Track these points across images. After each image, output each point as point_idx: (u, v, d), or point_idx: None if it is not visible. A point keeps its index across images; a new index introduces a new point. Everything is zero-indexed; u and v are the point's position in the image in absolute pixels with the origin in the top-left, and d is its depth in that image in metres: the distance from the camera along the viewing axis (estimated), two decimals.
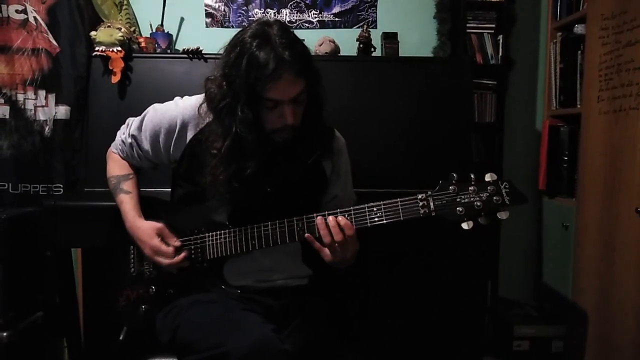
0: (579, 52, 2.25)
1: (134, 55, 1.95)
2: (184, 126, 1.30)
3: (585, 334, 2.05)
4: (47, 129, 2.15)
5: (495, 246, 2.39)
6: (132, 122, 1.39)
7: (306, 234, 1.20)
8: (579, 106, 2.24)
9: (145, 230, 1.28)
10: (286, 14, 2.45)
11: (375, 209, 1.17)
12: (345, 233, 1.16)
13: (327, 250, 1.19)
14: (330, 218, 1.18)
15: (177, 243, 1.28)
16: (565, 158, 2.32)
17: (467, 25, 2.37)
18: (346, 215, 1.18)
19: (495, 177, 1.12)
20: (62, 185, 2.15)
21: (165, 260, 1.27)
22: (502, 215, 1.10)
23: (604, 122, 1.97)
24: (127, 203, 1.33)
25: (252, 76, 1.13)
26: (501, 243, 2.42)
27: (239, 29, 1.23)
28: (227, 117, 1.19)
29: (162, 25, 2.26)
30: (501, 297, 2.47)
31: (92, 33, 1.92)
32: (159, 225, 1.29)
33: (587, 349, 2.04)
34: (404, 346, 1.96)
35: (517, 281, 2.59)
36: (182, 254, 1.28)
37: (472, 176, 1.13)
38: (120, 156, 1.41)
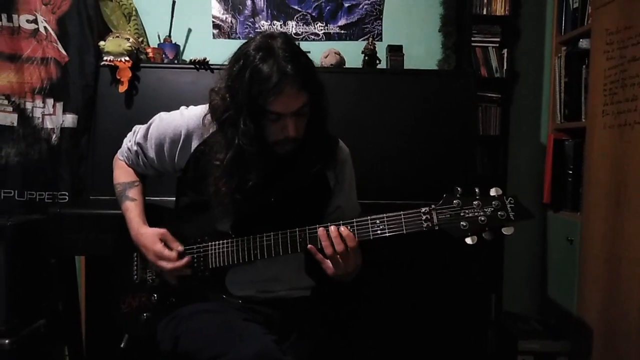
0: (584, 66, 2.25)
1: (141, 65, 1.98)
2: (189, 136, 1.31)
3: (590, 350, 2.03)
4: (54, 137, 2.17)
5: (500, 259, 2.38)
6: (139, 130, 1.40)
7: (309, 245, 1.20)
8: (583, 120, 2.24)
9: (149, 236, 1.29)
10: (292, 26, 2.47)
11: (378, 221, 1.16)
12: (347, 244, 1.16)
13: (329, 263, 1.19)
14: (332, 228, 1.17)
15: (180, 248, 1.28)
16: (570, 172, 2.31)
17: (472, 38, 2.38)
18: (349, 227, 1.18)
19: (500, 191, 1.11)
20: (67, 193, 2.16)
21: (168, 265, 1.27)
22: (507, 230, 1.09)
23: (608, 136, 1.97)
24: (132, 210, 1.34)
25: (254, 89, 1.14)
26: (505, 256, 2.41)
27: (245, 41, 1.24)
28: (230, 129, 1.20)
29: (169, 36, 2.28)
30: (505, 311, 2.45)
31: (101, 43, 1.95)
32: (161, 230, 1.29)
33: None
34: (408, 359, 1.94)
35: (521, 295, 2.57)
36: (185, 259, 1.28)
37: (476, 190, 1.12)
38: (126, 163, 1.42)
